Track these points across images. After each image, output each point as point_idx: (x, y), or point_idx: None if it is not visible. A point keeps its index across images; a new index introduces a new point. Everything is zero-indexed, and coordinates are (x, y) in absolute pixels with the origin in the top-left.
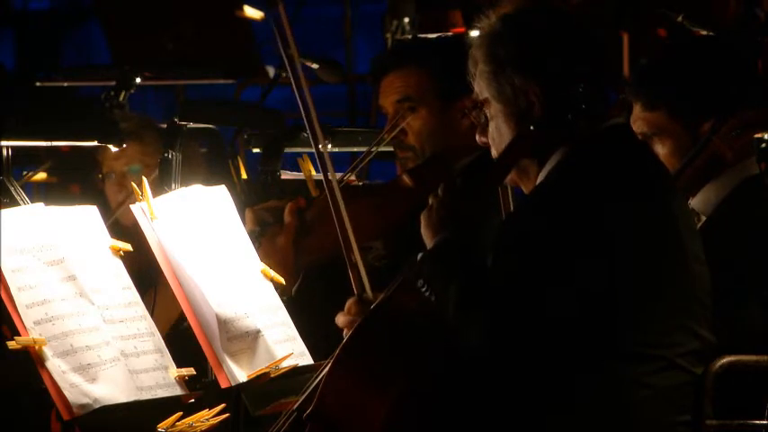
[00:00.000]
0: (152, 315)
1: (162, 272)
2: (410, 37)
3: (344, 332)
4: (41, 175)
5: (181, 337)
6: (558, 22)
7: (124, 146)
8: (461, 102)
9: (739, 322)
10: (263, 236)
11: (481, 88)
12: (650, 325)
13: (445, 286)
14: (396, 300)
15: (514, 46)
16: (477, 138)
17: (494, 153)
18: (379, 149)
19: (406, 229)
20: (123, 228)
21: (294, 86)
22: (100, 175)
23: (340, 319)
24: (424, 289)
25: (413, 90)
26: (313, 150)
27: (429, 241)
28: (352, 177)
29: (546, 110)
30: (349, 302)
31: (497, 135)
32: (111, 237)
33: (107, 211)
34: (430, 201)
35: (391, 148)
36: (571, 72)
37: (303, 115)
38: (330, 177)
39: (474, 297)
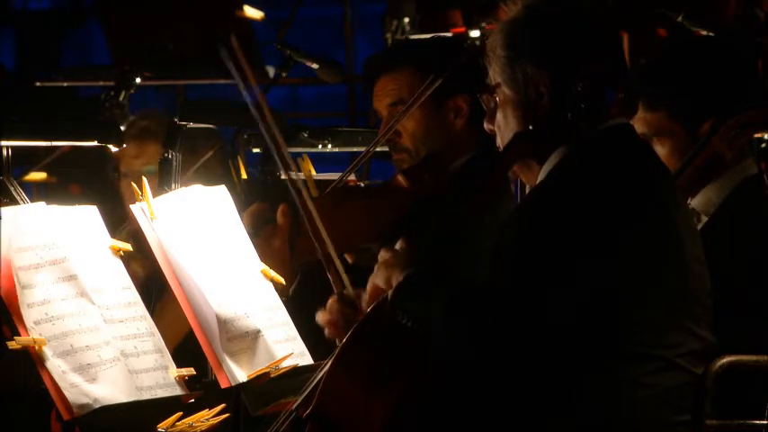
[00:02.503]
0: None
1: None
2: (403, 38)
3: (326, 331)
4: (41, 175)
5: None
6: (578, 17)
7: (133, 143)
8: (454, 101)
9: (742, 323)
10: (257, 237)
11: (495, 73)
12: (650, 325)
13: (426, 310)
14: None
15: (533, 35)
16: (484, 124)
17: (498, 141)
18: (378, 149)
19: (403, 231)
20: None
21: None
22: (116, 174)
23: (320, 317)
24: (405, 321)
25: (405, 92)
26: (313, 150)
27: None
28: (352, 177)
29: (552, 104)
30: (330, 301)
31: (504, 123)
32: (130, 239)
33: (121, 210)
34: (379, 257)
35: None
36: (577, 69)
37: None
38: (295, 177)
39: (460, 305)
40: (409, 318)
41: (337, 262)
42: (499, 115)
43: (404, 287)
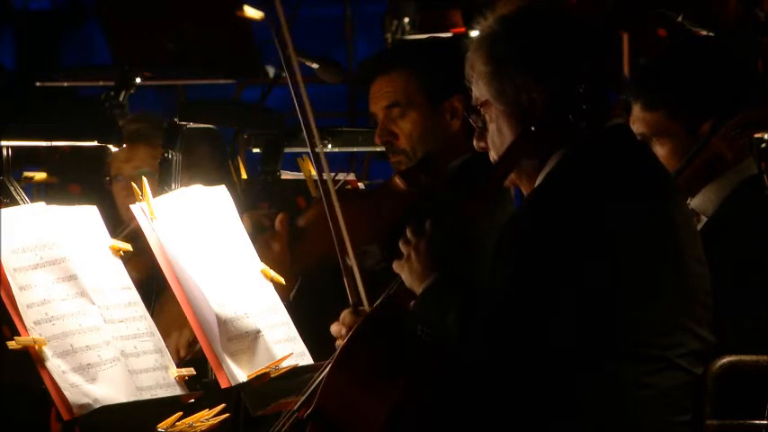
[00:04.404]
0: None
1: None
2: (400, 38)
3: (337, 342)
4: (41, 175)
5: None
6: (557, 20)
7: (124, 147)
8: (450, 102)
9: (742, 323)
10: (255, 242)
11: (481, 90)
12: (650, 325)
13: (442, 321)
14: (395, 302)
15: (515, 44)
16: (474, 143)
17: (493, 156)
18: (377, 150)
19: (402, 232)
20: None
21: (291, 87)
22: (108, 178)
23: (334, 329)
24: (424, 335)
25: (401, 94)
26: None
27: (417, 289)
28: (352, 178)
29: (548, 109)
30: (344, 313)
31: (498, 137)
32: (126, 241)
33: (115, 214)
34: (402, 249)
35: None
36: (572, 71)
37: (300, 116)
38: (326, 179)
39: (472, 312)
40: (428, 329)
41: (357, 270)
42: (493, 130)
43: (423, 305)
